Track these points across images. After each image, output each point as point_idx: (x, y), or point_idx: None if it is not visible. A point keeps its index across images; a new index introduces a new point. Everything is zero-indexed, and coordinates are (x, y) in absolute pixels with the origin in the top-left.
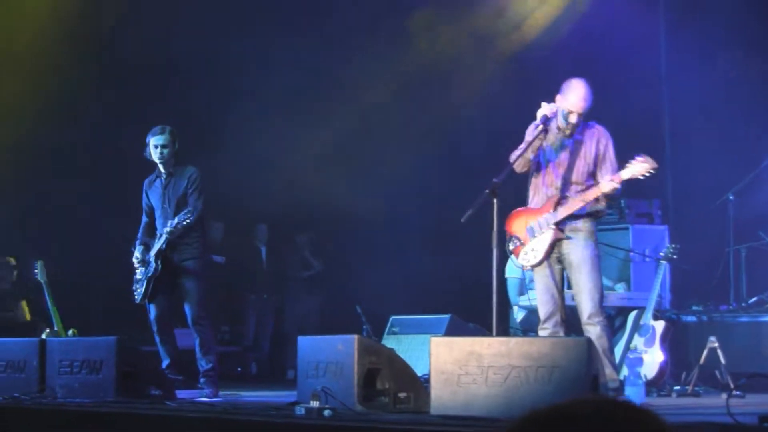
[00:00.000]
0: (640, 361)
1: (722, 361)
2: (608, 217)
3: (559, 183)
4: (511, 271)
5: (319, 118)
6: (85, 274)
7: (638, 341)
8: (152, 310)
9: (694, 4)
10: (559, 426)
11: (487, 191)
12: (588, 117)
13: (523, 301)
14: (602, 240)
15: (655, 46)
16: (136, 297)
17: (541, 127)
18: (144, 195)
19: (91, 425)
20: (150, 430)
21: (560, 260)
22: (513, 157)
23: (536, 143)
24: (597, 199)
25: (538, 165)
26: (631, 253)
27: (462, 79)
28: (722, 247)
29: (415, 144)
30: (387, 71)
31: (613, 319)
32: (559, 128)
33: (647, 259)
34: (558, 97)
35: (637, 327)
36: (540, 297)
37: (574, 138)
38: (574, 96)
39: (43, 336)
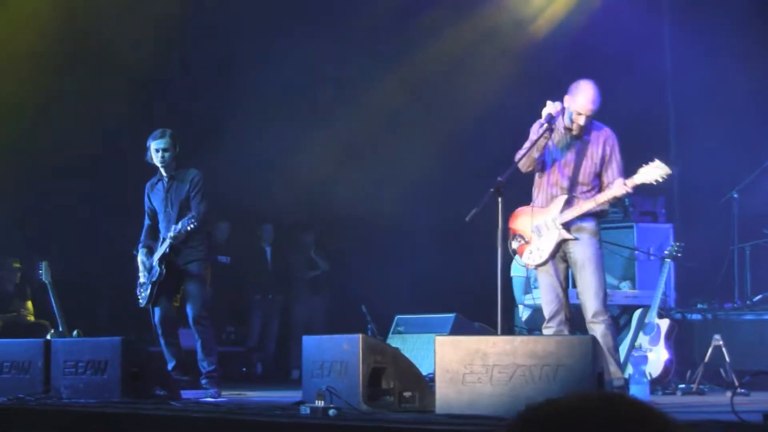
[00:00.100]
0: (644, 359)
1: (727, 359)
2: (613, 215)
3: (565, 183)
4: (517, 270)
5: (324, 119)
6: (89, 274)
7: (643, 339)
8: (156, 314)
9: (699, 3)
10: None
11: (492, 190)
12: (593, 116)
13: (528, 299)
14: (607, 238)
15: (659, 45)
16: (140, 301)
17: (546, 125)
18: (146, 198)
19: (95, 426)
20: (155, 430)
21: (564, 259)
22: (518, 156)
23: (541, 142)
24: None
25: (543, 164)
26: (636, 252)
27: (468, 78)
28: (726, 245)
29: (421, 143)
30: (392, 71)
31: (618, 317)
32: (566, 128)
33: (652, 258)
34: (566, 98)
35: (641, 325)
36: (544, 296)
37: (581, 138)
38: (582, 98)
39: (48, 337)
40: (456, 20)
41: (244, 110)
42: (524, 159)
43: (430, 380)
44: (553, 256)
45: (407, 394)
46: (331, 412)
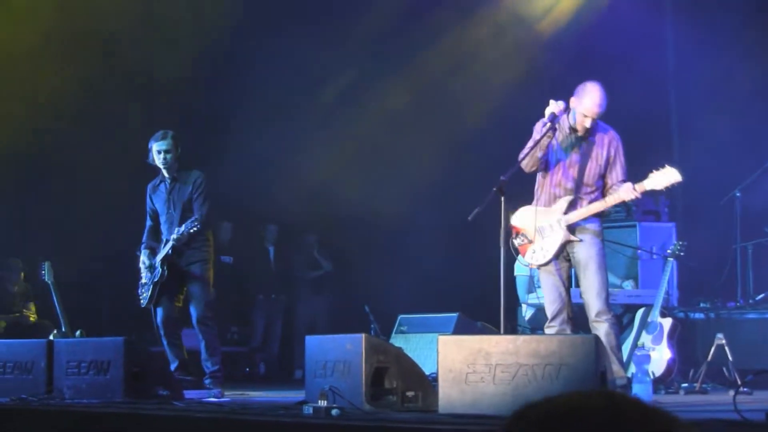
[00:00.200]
0: (647, 358)
1: (729, 357)
2: (616, 214)
3: (569, 184)
4: (520, 269)
5: (327, 119)
6: (91, 274)
7: (646, 338)
8: (159, 314)
9: (701, 2)
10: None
11: (495, 189)
12: (599, 118)
13: (532, 298)
14: (610, 237)
15: (662, 44)
16: (141, 301)
17: (549, 125)
18: (148, 199)
19: (98, 426)
20: (157, 430)
21: (567, 258)
22: (521, 155)
23: (545, 141)
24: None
25: (546, 164)
26: (639, 251)
27: (471, 78)
28: (729, 244)
29: (424, 143)
30: (396, 72)
31: (621, 316)
32: (571, 129)
33: (654, 257)
34: (572, 100)
35: (644, 324)
36: (547, 295)
37: (586, 140)
38: (589, 101)
39: (51, 337)
40: (459, 20)
41: (246, 110)
42: (527, 159)
43: (433, 380)
44: (557, 257)
45: (410, 393)
46: (334, 411)
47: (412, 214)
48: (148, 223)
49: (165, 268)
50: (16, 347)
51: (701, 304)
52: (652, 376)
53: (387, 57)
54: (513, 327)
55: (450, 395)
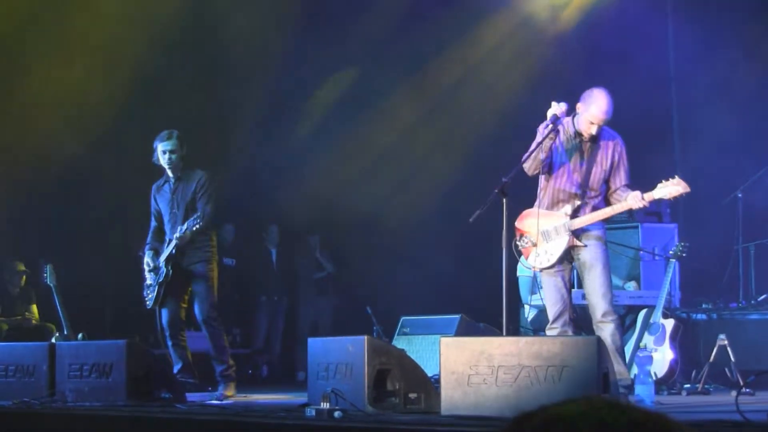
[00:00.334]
0: (649, 359)
1: (732, 358)
2: (617, 215)
3: (574, 188)
4: (523, 270)
5: (329, 120)
6: (93, 277)
7: (648, 340)
8: (164, 315)
9: (702, 3)
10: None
11: (497, 190)
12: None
13: (535, 300)
14: (612, 239)
15: (663, 43)
16: (147, 303)
17: (551, 126)
18: (152, 200)
19: (101, 429)
20: None
21: (569, 260)
22: (524, 158)
23: (547, 143)
24: (608, 204)
25: (550, 167)
26: (641, 252)
27: (473, 79)
28: (731, 244)
29: (426, 145)
30: (399, 74)
31: (623, 317)
32: (577, 133)
33: (657, 258)
34: (579, 105)
35: (646, 325)
36: (549, 297)
37: (591, 144)
38: (595, 108)
39: (53, 340)
40: (468, 25)
41: (248, 112)
42: (529, 161)
43: (436, 381)
44: (561, 261)
45: (412, 395)
46: (337, 414)
47: (415, 216)
48: (152, 224)
49: (169, 267)
50: (18, 350)
51: (703, 305)
52: (654, 377)
53: (392, 59)
54: (515, 328)
55: (452, 397)
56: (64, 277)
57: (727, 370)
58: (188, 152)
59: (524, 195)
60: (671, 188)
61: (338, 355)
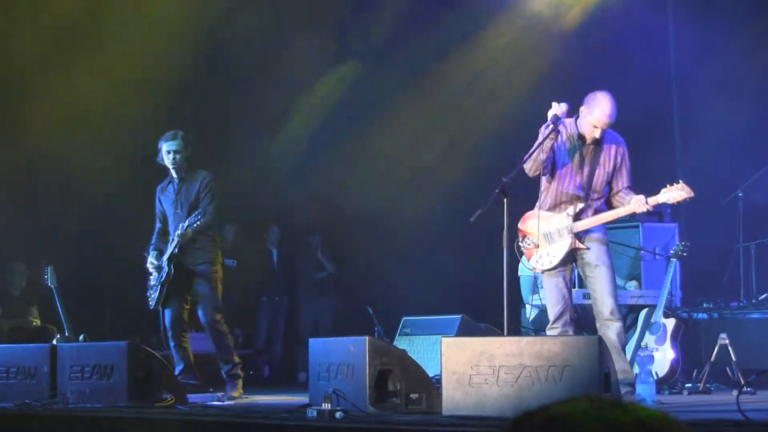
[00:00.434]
0: (651, 358)
1: (733, 357)
2: None
3: (578, 191)
4: (525, 270)
5: (330, 121)
6: (94, 278)
7: (649, 339)
8: (166, 315)
9: (703, 2)
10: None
11: (497, 191)
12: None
13: (536, 299)
14: (613, 238)
15: (664, 45)
16: (150, 303)
17: (551, 126)
18: (157, 201)
19: (102, 430)
20: None
21: (572, 261)
22: (525, 159)
23: (547, 143)
24: (610, 206)
25: (553, 169)
26: (642, 251)
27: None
28: (732, 244)
29: (427, 144)
30: (398, 73)
31: (624, 317)
32: (580, 136)
33: (657, 257)
34: (582, 109)
35: (648, 325)
36: (550, 297)
37: (594, 147)
38: (599, 112)
39: (54, 341)
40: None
41: (249, 112)
42: (530, 162)
43: (437, 382)
44: (563, 263)
45: (414, 395)
46: (338, 414)
47: (415, 216)
48: (157, 225)
49: (172, 266)
50: (19, 352)
51: (704, 305)
52: (655, 377)
53: (392, 59)
54: (516, 328)
55: (453, 397)
56: (65, 279)
57: (728, 369)
58: (192, 151)
59: (526, 196)
60: (675, 193)
61: (339, 355)
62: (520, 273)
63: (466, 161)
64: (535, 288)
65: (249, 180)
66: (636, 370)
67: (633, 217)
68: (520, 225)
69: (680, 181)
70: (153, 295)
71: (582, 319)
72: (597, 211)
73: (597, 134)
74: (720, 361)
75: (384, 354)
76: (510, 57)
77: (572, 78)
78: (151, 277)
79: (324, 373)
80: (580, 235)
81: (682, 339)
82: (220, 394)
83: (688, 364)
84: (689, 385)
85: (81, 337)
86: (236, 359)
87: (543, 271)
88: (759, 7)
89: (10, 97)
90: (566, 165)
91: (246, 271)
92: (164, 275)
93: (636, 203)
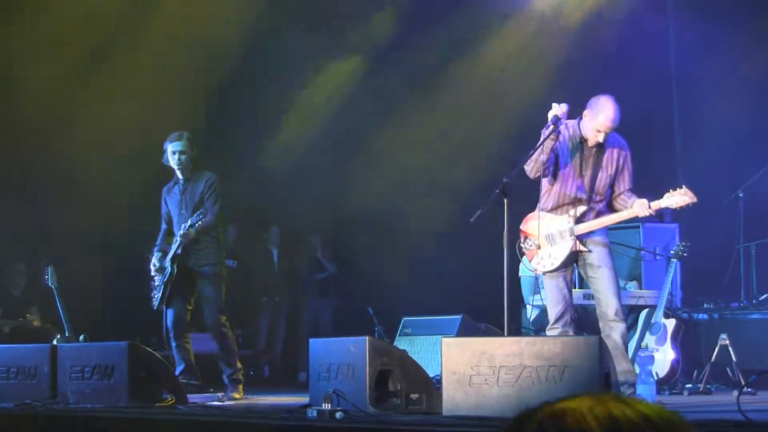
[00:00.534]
0: (651, 359)
1: (733, 358)
2: None
3: (580, 193)
4: (525, 270)
5: (331, 121)
6: (95, 279)
7: (649, 339)
8: (169, 316)
9: (703, 2)
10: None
11: (497, 191)
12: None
13: (536, 300)
14: (613, 239)
15: (664, 44)
16: (153, 303)
17: (552, 127)
18: (163, 202)
19: (102, 431)
20: None
21: (573, 263)
22: (525, 160)
23: (548, 144)
24: (612, 208)
25: (555, 170)
26: (642, 252)
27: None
28: (732, 244)
29: (428, 145)
30: (400, 73)
31: (625, 317)
32: (583, 139)
33: (658, 258)
34: (586, 113)
35: (648, 325)
36: (551, 297)
37: (597, 149)
38: (603, 116)
39: (54, 342)
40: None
41: (249, 113)
42: (531, 163)
43: (437, 382)
44: (565, 265)
45: (414, 396)
46: (338, 415)
47: (416, 216)
48: (162, 226)
49: (174, 266)
50: (19, 352)
51: (705, 305)
52: (655, 377)
53: (394, 59)
54: (517, 329)
55: (454, 397)
56: (65, 279)
57: (728, 369)
58: (198, 154)
59: (528, 196)
60: (678, 198)
61: (340, 355)
62: (521, 273)
63: (466, 161)
64: (536, 288)
65: (249, 180)
66: (636, 370)
67: (633, 217)
68: (522, 226)
69: (683, 186)
70: (156, 296)
71: (582, 319)
72: (599, 214)
73: (600, 138)
74: (720, 361)
75: (384, 354)
76: (511, 57)
77: (572, 78)
78: (155, 278)
79: (324, 374)
80: (581, 238)
81: (683, 339)
82: (220, 394)
83: (688, 365)
84: (689, 385)
85: (81, 337)
86: (239, 364)
87: (544, 273)
88: (759, 6)
89: (10, 96)
90: (569, 167)
91: (246, 271)
92: (167, 275)
93: (639, 207)
